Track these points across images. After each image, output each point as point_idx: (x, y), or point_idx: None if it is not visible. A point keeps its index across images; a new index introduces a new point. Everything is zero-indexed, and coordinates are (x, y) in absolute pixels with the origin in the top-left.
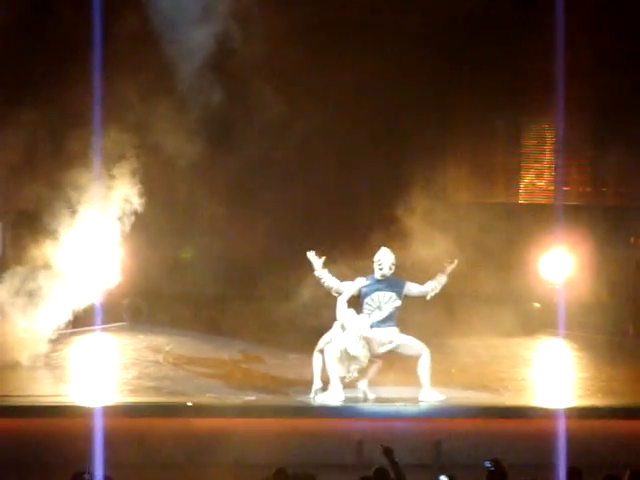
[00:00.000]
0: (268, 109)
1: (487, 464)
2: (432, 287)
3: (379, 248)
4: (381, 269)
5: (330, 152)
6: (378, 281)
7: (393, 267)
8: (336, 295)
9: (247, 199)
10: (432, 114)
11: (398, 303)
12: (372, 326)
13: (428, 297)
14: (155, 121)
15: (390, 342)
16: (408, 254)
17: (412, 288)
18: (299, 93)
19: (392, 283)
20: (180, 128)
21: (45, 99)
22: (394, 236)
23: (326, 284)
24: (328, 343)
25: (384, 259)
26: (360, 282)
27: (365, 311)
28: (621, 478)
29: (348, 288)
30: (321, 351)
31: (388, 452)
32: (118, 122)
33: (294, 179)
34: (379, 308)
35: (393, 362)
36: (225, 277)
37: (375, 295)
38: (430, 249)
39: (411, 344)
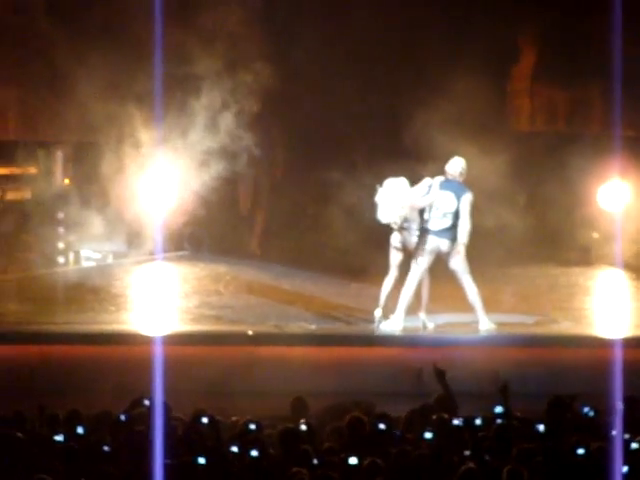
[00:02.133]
0: None
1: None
2: (462, 222)
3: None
4: (453, 174)
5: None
6: (443, 183)
7: (463, 172)
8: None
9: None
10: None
11: (455, 205)
12: (430, 231)
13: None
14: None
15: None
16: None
17: (466, 202)
18: None
19: (457, 186)
20: None
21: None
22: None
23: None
24: (396, 269)
25: (455, 165)
26: (427, 182)
27: (424, 210)
28: None
29: (422, 197)
30: (392, 277)
31: (440, 375)
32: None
33: None
34: (437, 207)
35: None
36: (290, 204)
37: (436, 194)
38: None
39: (462, 268)
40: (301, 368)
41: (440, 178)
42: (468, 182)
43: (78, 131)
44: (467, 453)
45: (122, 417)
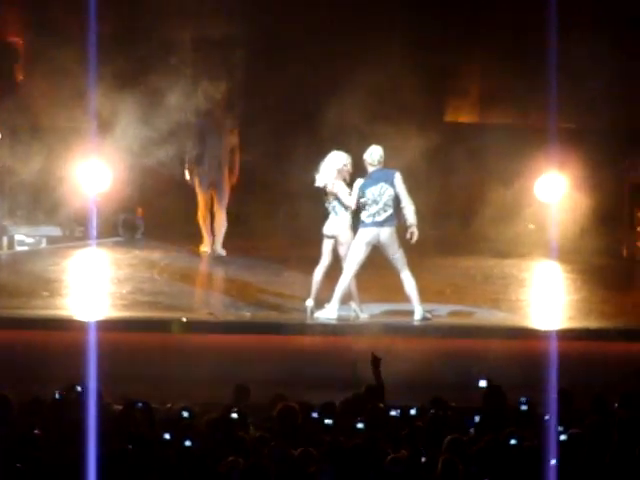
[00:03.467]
0: None
1: (482, 383)
2: (404, 205)
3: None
4: (372, 163)
5: None
6: (370, 176)
7: (382, 159)
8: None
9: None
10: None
11: (392, 191)
12: (371, 223)
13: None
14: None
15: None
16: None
17: (400, 182)
18: None
19: (383, 174)
20: None
21: None
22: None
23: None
24: (327, 257)
25: (374, 153)
26: (358, 184)
27: (365, 208)
28: (610, 400)
29: (354, 196)
30: (322, 267)
31: (376, 363)
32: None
33: None
34: (375, 202)
35: (378, 278)
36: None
37: (369, 190)
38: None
39: (400, 258)
40: (235, 356)
41: (364, 178)
42: (405, 173)
43: (12, 115)
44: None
45: (56, 397)
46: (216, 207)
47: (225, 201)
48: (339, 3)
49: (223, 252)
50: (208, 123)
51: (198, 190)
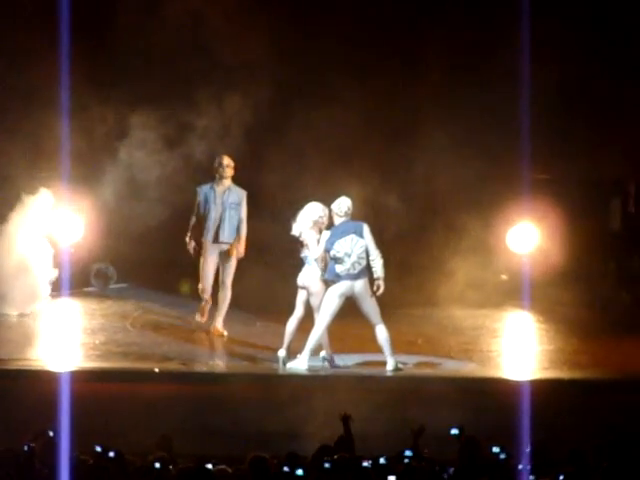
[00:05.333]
0: None
1: (454, 431)
2: (373, 258)
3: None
4: (339, 214)
5: None
6: (338, 228)
7: (349, 211)
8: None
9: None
10: None
11: (363, 243)
12: (346, 276)
13: (370, 259)
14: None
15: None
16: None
17: (368, 234)
18: None
19: (351, 225)
20: None
21: None
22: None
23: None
24: (301, 307)
25: (342, 204)
26: (325, 236)
27: (339, 262)
28: (585, 452)
29: (320, 248)
30: (296, 317)
31: (345, 420)
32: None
33: None
34: (348, 255)
35: (351, 328)
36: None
37: (338, 243)
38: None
39: (373, 309)
40: (208, 406)
41: (332, 229)
42: (377, 220)
43: None
44: None
45: (26, 448)
46: (221, 279)
47: (231, 274)
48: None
49: (224, 331)
50: (213, 193)
51: (202, 260)
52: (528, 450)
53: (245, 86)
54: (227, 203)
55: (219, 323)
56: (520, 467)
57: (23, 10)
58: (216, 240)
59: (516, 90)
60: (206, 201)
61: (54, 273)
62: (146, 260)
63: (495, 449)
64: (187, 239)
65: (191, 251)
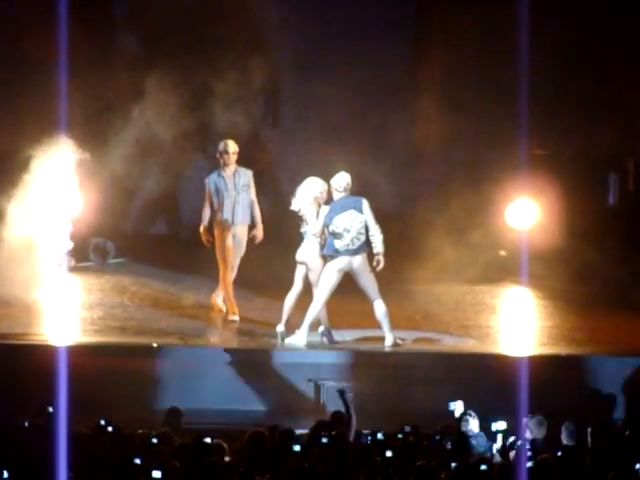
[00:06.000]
0: None
1: (452, 406)
2: (372, 234)
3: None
4: (338, 189)
5: None
6: (337, 203)
7: (349, 186)
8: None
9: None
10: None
11: (362, 218)
12: (345, 252)
13: (370, 234)
14: None
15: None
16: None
17: (367, 209)
18: None
19: (350, 201)
20: None
21: None
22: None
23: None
24: (300, 282)
25: (341, 179)
26: (324, 211)
27: (338, 237)
28: (581, 427)
29: (319, 223)
30: (294, 293)
31: (342, 393)
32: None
33: None
34: (347, 230)
35: (349, 303)
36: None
37: (337, 218)
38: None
39: (371, 284)
40: (207, 382)
41: (331, 205)
42: (376, 198)
43: None
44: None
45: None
46: (233, 259)
47: (240, 256)
48: None
49: (223, 307)
50: (223, 180)
51: (219, 253)
52: (525, 425)
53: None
54: (239, 186)
55: (220, 298)
56: (519, 443)
57: None
58: (232, 224)
59: (513, 65)
60: (217, 189)
61: (66, 247)
62: (144, 235)
63: (494, 426)
64: (202, 231)
65: (206, 243)
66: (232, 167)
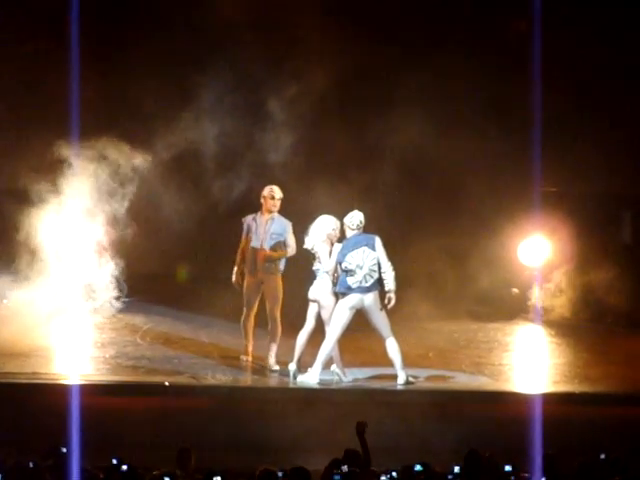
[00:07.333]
0: None
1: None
2: (384, 270)
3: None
4: (351, 227)
5: None
6: (349, 240)
7: (361, 224)
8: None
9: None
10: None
11: (375, 256)
12: (357, 289)
13: (382, 272)
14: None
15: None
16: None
17: (380, 246)
18: None
19: (363, 238)
20: None
21: None
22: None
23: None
24: (312, 320)
25: (354, 217)
26: (337, 248)
27: (350, 274)
28: (595, 467)
29: (332, 260)
30: (307, 331)
31: (360, 428)
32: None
33: None
34: (359, 267)
35: (361, 341)
36: (205, 258)
37: (350, 255)
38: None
39: (383, 322)
40: (217, 420)
41: (344, 242)
42: (388, 236)
43: None
44: None
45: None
46: (268, 311)
47: (278, 303)
48: None
49: (276, 366)
50: (255, 223)
51: (245, 291)
52: (539, 464)
53: None
54: (268, 233)
55: (272, 357)
56: None
57: None
58: (252, 271)
59: (528, 100)
60: (248, 232)
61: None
62: (156, 274)
63: (507, 468)
64: (234, 275)
65: (237, 287)
66: (270, 214)
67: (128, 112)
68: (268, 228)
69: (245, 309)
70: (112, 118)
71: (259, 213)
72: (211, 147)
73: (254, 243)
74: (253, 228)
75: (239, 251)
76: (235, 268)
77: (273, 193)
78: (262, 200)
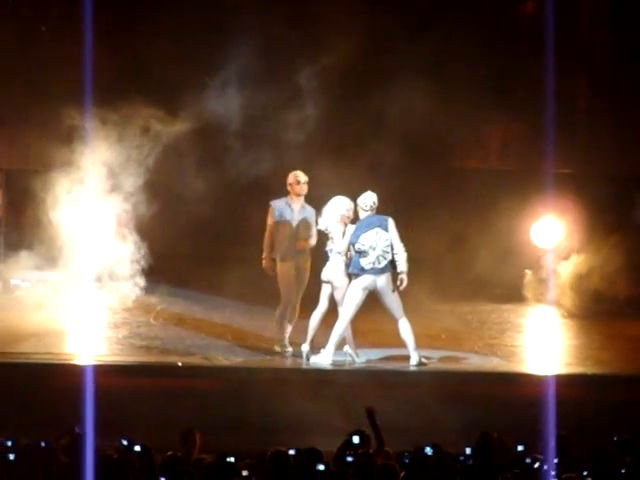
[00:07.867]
0: None
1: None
2: (397, 252)
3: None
4: (364, 209)
5: None
6: (362, 222)
7: (375, 205)
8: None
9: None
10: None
11: (388, 237)
12: (370, 270)
13: (394, 253)
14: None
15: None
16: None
17: (393, 228)
18: None
19: (376, 219)
20: None
21: None
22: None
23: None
24: (325, 301)
25: (367, 198)
26: (350, 230)
27: (363, 255)
28: (607, 448)
29: (345, 241)
30: (320, 312)
31: (370, 413)
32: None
33: None
34: (372, 248)
35: (374, 323)
36: (220, 237)
37: (363, 237)
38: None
39: (396, 303)
40: (231, 400)
41: (357, 223)
42: (402, 217)
43: (9, 158)
44: None
45: (52, 443)
46: (295, 299)
47: (304, 288)
48: None
49: (290, 347)
50: (290, 209)
51: (285, 278)
52: (552, 446)
53: None
54: (302, 220)
55: (286, 339)
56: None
57: None
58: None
59: (540, 83)
60: (281, 217)
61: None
62: (169, 254)
63: (520, 448)
64: (264, 259)
65: (270, 272)
66: (301, 199)
67: (146, 85)
68: (302, 215)
69: (284, 296)
70: (127, 91)
71: (289, 198)
72: (228, 122)
73: (291, 229)
74: (287, 214)
75: (267, 234)
76: (265, 253)
77: (298, 178)
78: (289, 187)
